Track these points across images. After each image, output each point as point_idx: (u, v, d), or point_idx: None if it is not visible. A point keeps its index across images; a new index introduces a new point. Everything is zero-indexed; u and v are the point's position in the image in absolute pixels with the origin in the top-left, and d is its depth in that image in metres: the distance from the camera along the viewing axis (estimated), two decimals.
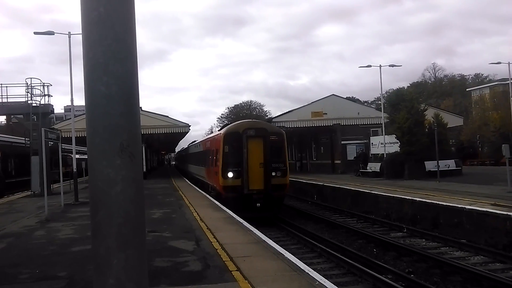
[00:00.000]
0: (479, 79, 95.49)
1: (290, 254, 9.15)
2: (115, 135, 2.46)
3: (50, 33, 23.22)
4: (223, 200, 19.52)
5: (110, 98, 2.45)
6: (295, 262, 8.47)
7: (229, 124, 25.21)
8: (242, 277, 7.60)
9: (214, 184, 21.97)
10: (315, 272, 7.83)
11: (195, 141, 45.73)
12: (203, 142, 30.55)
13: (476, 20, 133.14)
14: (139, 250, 2.63)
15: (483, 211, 14.94)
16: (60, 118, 67.87)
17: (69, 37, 23.12)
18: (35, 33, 23.66)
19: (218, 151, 20.70)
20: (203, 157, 28.03)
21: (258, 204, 19.41)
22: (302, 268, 8.02)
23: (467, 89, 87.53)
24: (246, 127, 20.54)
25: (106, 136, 2.47)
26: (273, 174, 19.90)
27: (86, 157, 46.01)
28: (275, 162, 20.08)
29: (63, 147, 26.58)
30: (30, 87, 26.97)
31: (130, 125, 2.53)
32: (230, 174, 19.85)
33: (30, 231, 13.49)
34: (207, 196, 22.88)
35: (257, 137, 20.18)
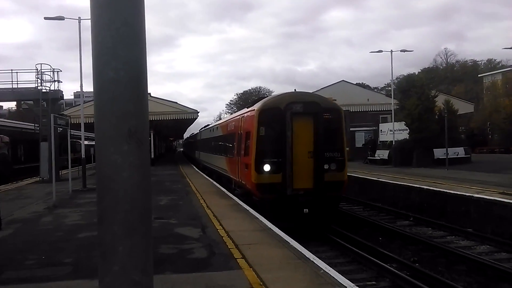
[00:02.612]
0: (491, 64, 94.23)
1: (295, 242, 9.16)
2: (123, 121, 2.45)
3: (60, 18, 23.23)
4: (256, 203, 14.76)
5: (118, 83, 2.43)
6: (300, 250, 8.48)
7: (262, 98, 18.41)
8: (247, 264, 7.64)
9: (241, 180, 16.58)
10: (320, 260, 7.84)
11: (208, 125, 42.46)
12: (224, 124, 24.15)
13: (486, 3, 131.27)
14: (145, 237, 2.62)
15: (491, 199, 14.85)
16: (70, 104, 68.16)
17: (79, 22, 23.09)
18: (46, 18, 23.72)
19: (250, 135, 15.30)
20: (224, 143, 22.49)
21: (306, 210, 14.19)
22: (307, 256, 8.03)
23: (479, 75, 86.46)
24: (291, 101, 14.84)
25: (114, 121, 2.45)
26: (326, 167, 14.61)
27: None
28: (329, 150, 14.74)
29: (72, 133, 26.78)
30: (40, 72, 27.14)
31: (138, 111, 2.52)
32: (267, 167, 14.44)
33: (38, 217, 13.64)
34: (214, 183, 22.91)
35: (306, 114, 14.72)
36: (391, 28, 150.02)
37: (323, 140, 14.65)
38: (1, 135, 4.90)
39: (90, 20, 2.48)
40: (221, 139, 23.87)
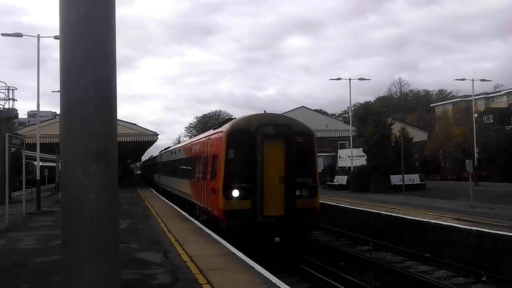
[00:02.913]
0: (442, 95, 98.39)
1: (260, 267, 9.09)
2: (91, 140, 2.38)
3: (18, 35, 22.67)
4: (224, 230, 13.80)
5: (87, 102, 2.36)
6: (265, 275, 8.41)
7: (230, 119, 17.20)
8: None
9: (207, 206, 15.62)
10: (286, 285, 7.80)
11: (168, 147, 41.30)
12: (188, 146, 23.00)
13: (437, 36, 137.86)
14: (112, 261, 2.53)
15: (447, 225, 15.29)
16: (23, 123, 65.93)
17: (38, 39, 22.63)
18: (3, 34, 23.06)
19: (217, 158, 14.42)
20: (187, 167, 21.50)
21: (277, 239, 13.39)
22: (273, 281, 7.98)
23: (431, 105, 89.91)
24: (262, 122, 14.12)
25: (81, 141, 2.37)
26: (298, 193, 13.94)
27: (49, 164, 43.96)
28: (301, 176, 14.14)
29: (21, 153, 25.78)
30: None
31: (107, 131, 2.45)
32: (236, 193, 13.61)
33: None
34: (174, 206, 22.54)
35: (278, 137, 14.05)
36: (347, 57, 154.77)
37: (295, 165, 13.96)
38: None
39: (59, 38, 2.42)
40: (184, 162, 22.91)
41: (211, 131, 17.59)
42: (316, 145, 15.21)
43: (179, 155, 25.30)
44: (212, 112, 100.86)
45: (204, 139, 17.69)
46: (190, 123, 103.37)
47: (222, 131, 14.64)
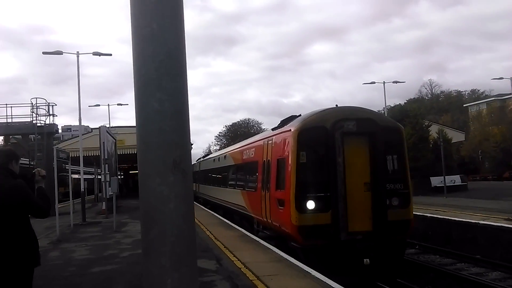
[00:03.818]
0: (475, 94, 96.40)
1: (317, 272, 9.03)
2: (168, 151, 2.46)
3: (59, 52, 23.41)
4: (297, 250, 11.33)
5: (163, 114, 2.45)
6: (324, 281, 8.37)
7: (294, 116, 14.03)
8: None
9: (271, 221, 13.05)
10: None
11: (207, 154, 39.18)
12: (237, 151, 19.99)
13: (464, 37, 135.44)
14: (191, 268, 2.60)
15: (498, 226, 14.92)
16: (57, 138, 67.53)
17: (78, 56, 23.35)
18: (44, 53, 23.84)
19: (284, 163, 11.97)
20: (238, 174, 19.19)
21: (367, 260, 10.82)
22: (333, 287, 7.92)
23: (464, 105, 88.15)
24: (340, 118, 11.61)
25: (159, 152, 2.46)
26: (387, 202, 11.50)
27: (88, 177, 44.24)
28: (390, 181, 11.65)
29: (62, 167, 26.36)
30: (35, 106, 27.08)
31: (182, 142, 2.54)
32: (312, 204, 11.17)
33: (44, 252, 13.26)
34: (215, 214, 22.65)
35: (361, 135, 11.65)
36: (373, 60, 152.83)
37: (382, 168, 11.58)
38: (38, 169, 4.86)
39: (132, 53, 2.53)
40: (233, 170, 20.51)
41: (270, 132, 15.38)
42: (405, 143, 12.81)
43: (225, 162, 22.77)
44: (241, 120, 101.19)
45: (262, 141, 15.16)
46: (219, 132, 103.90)
47: (290, 130, 12.16)
